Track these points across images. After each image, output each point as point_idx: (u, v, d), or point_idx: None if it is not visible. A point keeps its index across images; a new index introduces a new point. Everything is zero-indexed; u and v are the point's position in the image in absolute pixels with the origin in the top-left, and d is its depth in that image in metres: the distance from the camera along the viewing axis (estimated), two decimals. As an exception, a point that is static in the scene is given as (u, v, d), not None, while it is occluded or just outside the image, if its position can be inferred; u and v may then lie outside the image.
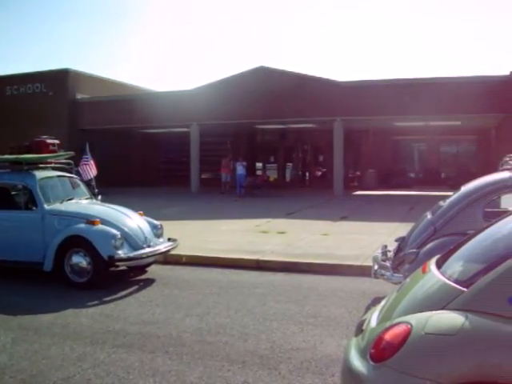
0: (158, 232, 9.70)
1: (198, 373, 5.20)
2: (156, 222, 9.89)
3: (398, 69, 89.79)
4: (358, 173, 34.90)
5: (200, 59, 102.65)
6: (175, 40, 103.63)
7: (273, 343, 6.00)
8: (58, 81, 31.43)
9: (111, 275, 9.07)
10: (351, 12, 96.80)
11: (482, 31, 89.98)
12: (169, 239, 9.91)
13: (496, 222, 4.11)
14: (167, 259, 10.35)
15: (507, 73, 24.07)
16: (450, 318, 3.12)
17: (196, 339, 6.14)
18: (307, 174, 37.62)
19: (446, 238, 6.67)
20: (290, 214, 18.28)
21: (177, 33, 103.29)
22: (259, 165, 37.16)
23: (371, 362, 3.21)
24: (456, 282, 3.34)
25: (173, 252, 9.95)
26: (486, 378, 2.91)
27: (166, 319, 6.93)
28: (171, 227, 11.57)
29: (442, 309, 3.19)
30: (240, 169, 28.47)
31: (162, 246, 9.48)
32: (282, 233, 13.73)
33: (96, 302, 7.76)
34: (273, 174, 37.06)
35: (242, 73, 28.24)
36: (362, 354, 3.36)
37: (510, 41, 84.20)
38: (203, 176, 33.05)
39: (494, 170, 8.42)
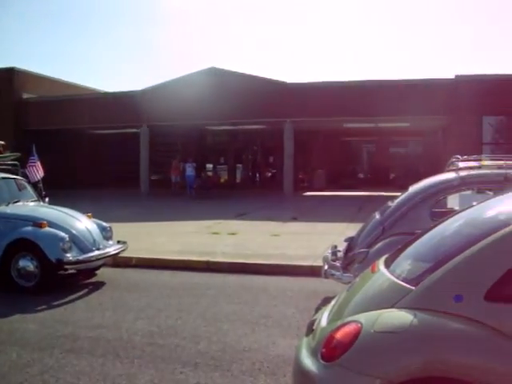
0: (107, 234, 9.57)
1: (150, 376, 5.15)
2: (105, 224, 9.75)
3: (348, 70, 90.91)
4: (308, 173, 35.17)
5: (150, 59, 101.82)
6: (123, 39, 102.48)
7: (224, 344, 5.99)
8: (4, 79, 30.64)
9: (60, 279, 8.90)
10: (303, 13, 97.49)
11: (430, 37, 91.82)
12: (118, 241, 9.77)
13: (442, 221, 4.20)
14: (117, 262, 10.21)
15: (453, 76, 24.68)
16: (398, 316, 3.17)
17: (147, 342, 6.09)
18: (257, 174, 37.74)
19: (394, 237, 6.76)
20: (240, 215, 18.30)
21: (125, 32, 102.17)
22: (209, 166, 37.10)
23: (322, 362, 3.24)
24: (404, 280, 3.39)
25: (122, 254, 9.82)
26: (434, 373, 2.98)
27: (117, 322, 6.84)
28: (120, 229, 11.41)
29: (392, 307, 3.24)
30: (190, 170, 28.37)
31: (112, 249, 9.35)
32: (233, 234, 13.74)
33: (44, 307, 7.60)
34: (223, 175, 37.07)
35: (192, 73, 28.12)
36: (313, 353, 3.39)
37: (454, 46, 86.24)
38: (153, 177, 32.76)
39: (441, 170, 8.60)
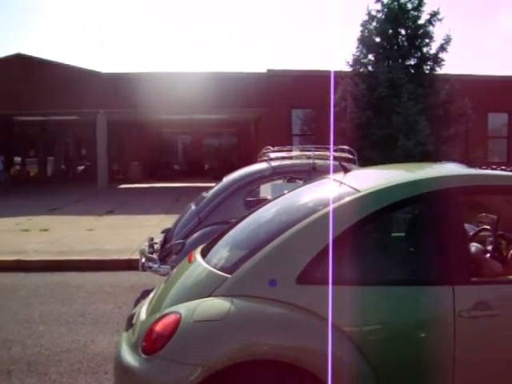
0: None
1: (-44, 388, 4.79)
2: None
3: (162, 61, 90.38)
4: (123, 165, 34.62)
5: None
6: None
7: (40, 347, 5.73)
8: None
9: None
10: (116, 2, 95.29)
11: (243, 31, 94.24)
12: None
13: (256, 210, 4.36)
14: None
15: (265, 70, 25.61)
16: (216, 305, 3.24)
17: (-49, 352, 5.63)
18: (70, 167, 36.45)
19: (210, 227, 6.91)
20: (52, 211, 17.55)
21: None
22: (18, 159, 35.07)
23: (143, 355, 3.22)
24: (221, 269, 3.47)
25: None
26: (253, 357, 3.10)
27: None
28: None
29: (209, 296, 3.29)
30: (-3, 164, 26.69)
31: None
32: (45, 230, 13.15)
33: None
34: (33, 169, 35.25)
35: (-4, 60, 26.37)
36: (134, 348, 3.36)
37: (267, 40, 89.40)
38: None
39: (254, 161, 8.91)
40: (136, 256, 8.55)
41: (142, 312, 3.75)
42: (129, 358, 3.34)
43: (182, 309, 3.27)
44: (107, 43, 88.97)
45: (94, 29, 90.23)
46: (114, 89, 25.23)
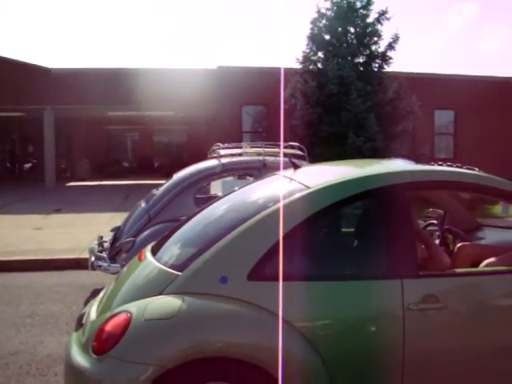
0: None
1: None
2: None
3: (111, 58, 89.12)
4: (72, 163, 34.04)
5: None
6: None
7: (-14, 350, 5.59)
8: None
9: None
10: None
11: (195, 27, 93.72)
12: None
13: (206, 207, 4.35)
14: None
15: (215, 67, 25.48)
16: (167, 303, 3.21)
17: None
18: (17, 165, 35.66)
19: (160, 224, 6.86)
20: (-2, 210, 17.16)
21: None
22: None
23: (94, 356, 3.17)
24: (171, 266, 3.44)
25: None
26: (206, 354, 3.09)
27: None
28: None
29: (160, 294, 3.27)
30: None
31: None
32: (-10, 230, 12.84)
33: None
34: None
35: None
36: (84, 348, 3.30)
37: (217, 36, 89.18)
38: None
39: (204, 158, 8.88)
40: (85, 255, 8.42)
41: (92, 311, 3.69)
42: (79, 358, 3.29)
43: (133, 307, 3.24)
44: (57, 39, 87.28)
45: (42, 24, 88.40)
46: (61, 85, 24.72)
